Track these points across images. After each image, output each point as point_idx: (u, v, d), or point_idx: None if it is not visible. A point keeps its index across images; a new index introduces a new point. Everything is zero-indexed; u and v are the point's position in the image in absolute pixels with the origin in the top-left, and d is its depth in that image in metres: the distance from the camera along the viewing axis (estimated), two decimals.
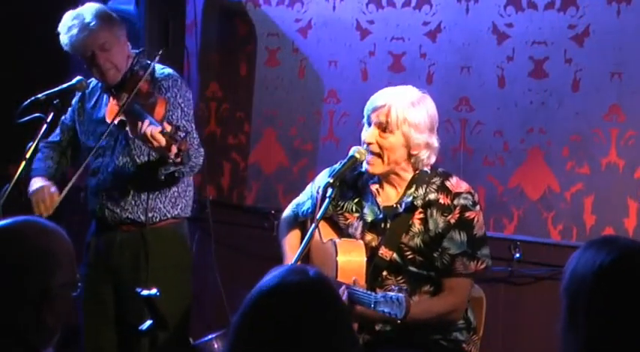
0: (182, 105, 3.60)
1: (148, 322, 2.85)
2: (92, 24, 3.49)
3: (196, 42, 4.88)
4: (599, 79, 3.95)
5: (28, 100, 3.41)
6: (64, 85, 3.52)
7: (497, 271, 4.06)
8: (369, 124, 3.14)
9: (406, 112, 3.08)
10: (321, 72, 4.67)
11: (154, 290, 2.82)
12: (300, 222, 3.42)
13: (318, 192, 3.29)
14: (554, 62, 4.05)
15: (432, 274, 3.14)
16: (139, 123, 3.32)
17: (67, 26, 3.53)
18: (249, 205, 4.90)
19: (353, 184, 3.26)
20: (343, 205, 3.25)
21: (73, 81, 3.54)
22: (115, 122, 3.40)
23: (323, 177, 3.31)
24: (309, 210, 3.35)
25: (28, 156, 3.35)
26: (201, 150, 3.60)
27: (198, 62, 4.95)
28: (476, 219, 3.12)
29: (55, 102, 3.42)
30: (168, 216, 3.67)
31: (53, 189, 3.56)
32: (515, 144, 4.15)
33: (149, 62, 3.59)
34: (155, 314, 2.81)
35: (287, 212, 3.48)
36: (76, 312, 3.68)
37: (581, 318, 1.93)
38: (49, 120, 3.37)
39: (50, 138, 3.81)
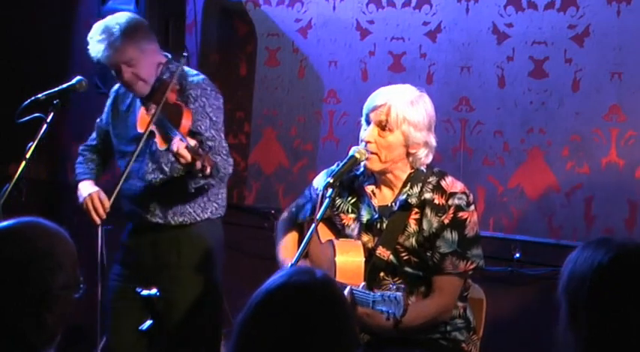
0: (210, 114, 3.60)
1: (148, 322, 2.85)
2: (118, 42, 3.51)
3: (196, 42, 4.88)
4: (599, 79, 3.95)
5: (28, 100, 3.41)
6: (64, 85, 3.53)
7: (497, 271, 4.06)
8: (368, 123, 3.14)
9: (405, 111, 3.08)
10: (321, 72, 4.68)
11: (154, 290, 2.83)
12: (298, 224, 3.43)
13: (317, 194, 3.30)
14: (554, 62, 4.05)
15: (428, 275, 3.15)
16: (166, 137, 3.40)
17: (96, 40, 3.55)
18: (249, 205, 4.90)
19: (349, 185, 3.26)
20: (339, 206, 3.26)
21: (73, 81, 3.55)
22: (146, 133, 3.47)
23: (321, 179, 3.32)
24: (308, 213, 3.35)
25: (28, 156, 3.35)
26: (230, 159, 3.63)
27: (198, 62, 4.95)
28: (468, 220, 3.12)
29: (55, 102, 3.43)
30: (198, 219, 3.71)
31: (103, 195, 3.63)
32: (515, 144, 4.15)
33: (176, 67, 3.61)
34: (155, 314, 2.81)
35: (285, 214, 3.50)
36: (80, 313, 3.69)
37: (582, 317, 1.93)
38: (49, 120, 3.37)
39: (88, 142, 3.91)
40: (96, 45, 3.53)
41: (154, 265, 3.71)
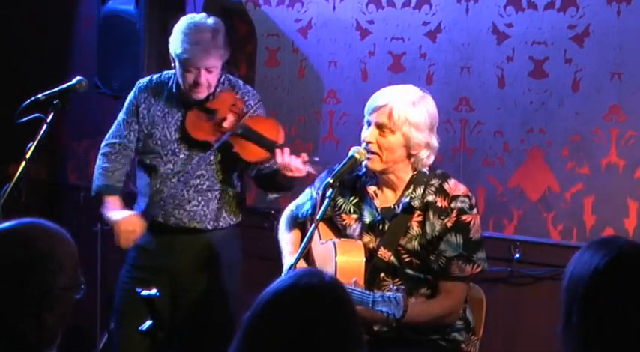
0: None
1: (149, 322, 2.85)
2: (212, 48, 3.54)
3: None
4: (599, 79, 3.95)
5: (28, 100, 3.40)
6: (64, 85, 3.52)
7: (497, 271, 4.06)
8: (369, 124, 3.14)
9: (407, 112, 3.08)
10: (321, 72, 4.67)
11: (153, 291, 2.82)
12: (300, 222, 3.43)
13: (317, 193, 3.30)
14: (554, 62, 4.05)
15: (429, 277, 3.14)
16: (252, 147, 3.49)
17: (187, 38, 3.56)
18: (249, 205, 4.89)
19: (351, 186, 3.26)
20: (341, 206, 3.26)
21: (73, 81, 3.54)
22: (213, 143, 3.55)
23: (322, 178, 3.32)
24: (309, 212, 3.35)
25: (28, 156, 3.35)
26: None
27: None
28: (472, 223, 3.12)
29: (55, 102, 3.42)
30: (231, 223, 3.77)
31: (135, 220, 3.62)
32: (515, 145, 4.15)
33: (230, 76, 3.69)
34: (155, 314, 2.81)
35: (286, 213, 3.49)
36: (79, 313, 3.68)
37: (575, 319, 1.93)
38: (49, 120, 3.37)
39: (116, 139, 3.79)
40: (186, 43, 3.54)
41: (180, 268, 3.70)
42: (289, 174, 3.42)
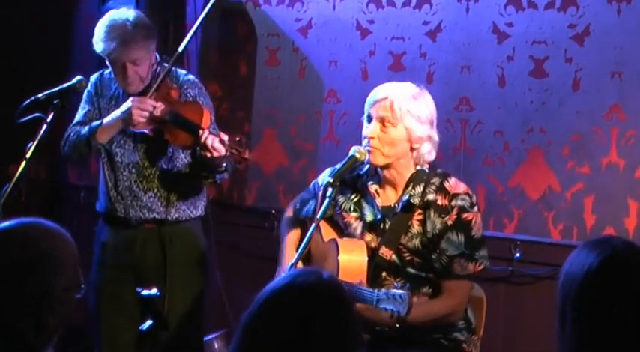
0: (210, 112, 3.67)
1: (148, 322, 2.85)
2: (131, 42, 3.54)
3: (196, 42, 4.88)
4: (599, 79, 3.95)
5: (28, 100, 3.40)
6: (64, 85, 3.52)
7: (498, 271, 4.06)
8: (370, 119, 3.13)
9: (408, 104, 3.08)
10: (322, 72, 4.67)
11: (154, 290, 2.82)
12: (302, 220, 3.43)
13: (321, 191, 3.30)
14: (554, 62, 4.05)
15: (431, 276, 3.14)
16: (181, 133, 3.47)
17: (106, 35, 3.57)
18: (249, 205, 4.90)
19: (352, 184, 3.26)
20: (342, 204, 3.25)
21: (73, 81, 3.54)
22: (149, 132, 3.55)
23: (325, 177, 3.32)
24: (311, 210, 3.35)
25: (28, 156, 3.35)
26: None
27: (198, 62, 4.95)
28: (473, 221, 3.12)
29: (55, 102, 3.42)
30: (192, 216, 3.76)
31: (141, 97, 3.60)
32: (515, 144, 4.15)
33: (166, 65, 3.65)
34: (155, 313, 2.81)
35: (288, 211, 3.49)
36: (80, 313, 3.68)
37: (569, 318, 1.94)
38: (49, 120, 3.37)
39: (76, 125, 3.79)
40: (106, 42, 3.56)
41: (143, 264, 3.70)
42: (209, 155, 3.38)
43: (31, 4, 5.56)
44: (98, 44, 3.59)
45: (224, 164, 3.49)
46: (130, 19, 3.58)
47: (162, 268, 3.69)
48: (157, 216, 3.70)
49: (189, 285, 3.73)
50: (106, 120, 3.64)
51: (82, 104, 3.84)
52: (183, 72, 3.79)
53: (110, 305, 3.73)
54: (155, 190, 3.70)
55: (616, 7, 3.91)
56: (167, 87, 3.63)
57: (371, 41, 4.51)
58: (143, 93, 3.63)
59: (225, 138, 3.36)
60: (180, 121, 3.52)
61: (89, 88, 3.80)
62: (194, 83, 3.74)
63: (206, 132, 3.39)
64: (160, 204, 3.70)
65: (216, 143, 3.35)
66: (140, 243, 3.72)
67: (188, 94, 3.68)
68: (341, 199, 3.25)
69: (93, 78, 3.82)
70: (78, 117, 3.82)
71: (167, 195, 3.70)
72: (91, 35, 3.63)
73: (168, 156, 3.69)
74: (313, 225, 3.00)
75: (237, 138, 3.39)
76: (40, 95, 3.43)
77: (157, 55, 3.73)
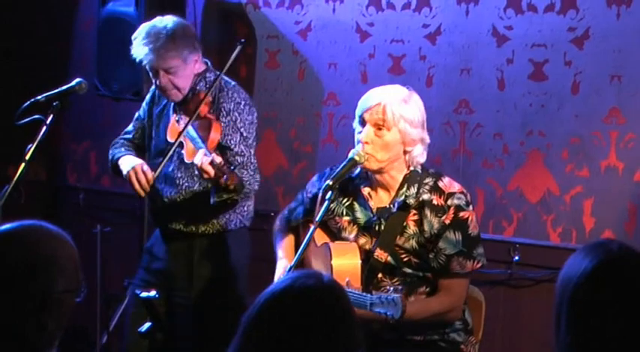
0: (242, 129, 3.61)
1: (147, 324, 2.85)
2: (162, 49, 3.53)
3: None
4: (598, 82, 3.95)
5: (28, 102, 3.40)
6: (64, 87, 3.52)
7: (497, 274, 4.06)
8: (363, 124, 3.14)
9: (401, 109, 3.10)
10: (321, 74, 4.68)
11: (152, 292, 2.83)
12: (293, 226, 3.44)
13: (309, 198, 3.33)
14: (553, 65, 4.05)
15: (428, 275, 3.15)
16: (193, 150, 3.42)
17: (141, 42, 3.57)
18: None
19: (343, 187, 3.26)
20: (334, 209, 3.26)
21: (73, 83, 3.54)
22: (175, 143, 3.51)
23: (313, 183, 3.35)
24: (300, 215, 3.37)
25: (27, 157, 3.35)
26: (258, 176, 3.63)
27: None
28: (470, 219, 3.13)
29: (54, 103, 3.42)
30: (222, 230, 3.72)
31: (146, 167, 3.59)
32: (514, 147, 4.15)
33: (213, 76, 3.63)
34: (155, 316, 2.82)
35: (279, 219, 3.51)
36: (79, 313, 3.69)
37: (564, 322, 1.94)
38: (48, 121, 3.37)
39: (123, 134, 3.88)
40: (140, 47, 3.56)
41: (173, 274, 3.72)
42: (204, 175, 3.32)
43: (32, 5, 5.56)
44: (133, 49, 3.59)
45: (228, 184, 3.33)
46: (169, 26, 3.57)
47: (189, 279, 3.69)
48: (183, 228, 3.69)
49: (214, 298, 3.71)
50: (120, 162, 3.68)
51: (140, 110, 3.88)
52: (231, 83, 3.72)
53: (137, 309, 3.71)
54: (185, 202, 3.68)
55: (615, 11, 3.91)
56: (200, 99, 3.55)
57: (370, 44, 4.51)
58: (183, 103, 3.63)
59: (218, 160, 3.26)
60: (191, 137, 3.50)
61: (149, 95, 3.85)
62: (233, 98, 3.64)
63: (200, 151, 3.33)
64: (188, 216, 3.69)
65: (205, 165, 3.26)
66: (172, 254, 3.74)
67: (222, 108, 3.61)
68: (332, 204, 3.25)
69: (153, 86, 3.80)
70: (131, 124, 3.89)
71: (195, 208, 3.66)
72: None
73: (192, 173, 3.65)
74: (312, 227, 3.00)
75: (223, 165, 3.28)
76: (39, 97, 3.43)
77: (207, 62, 3.71)
